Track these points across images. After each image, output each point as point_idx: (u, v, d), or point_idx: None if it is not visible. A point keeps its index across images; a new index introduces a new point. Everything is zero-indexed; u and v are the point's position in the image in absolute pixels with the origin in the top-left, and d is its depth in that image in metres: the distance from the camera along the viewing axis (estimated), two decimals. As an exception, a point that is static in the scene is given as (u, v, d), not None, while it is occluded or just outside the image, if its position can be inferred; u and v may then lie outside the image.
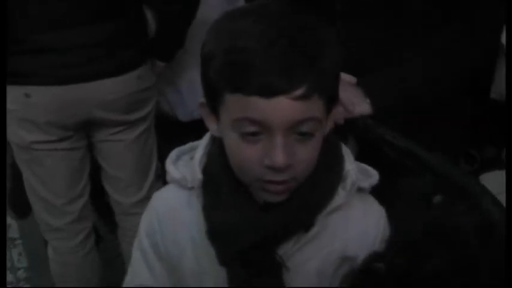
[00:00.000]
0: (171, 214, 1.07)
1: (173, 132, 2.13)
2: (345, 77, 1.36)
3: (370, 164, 1.33)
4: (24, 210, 2.17)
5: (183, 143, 1.12)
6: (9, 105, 1.91)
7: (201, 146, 1.05)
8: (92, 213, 2.14)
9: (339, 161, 1.03)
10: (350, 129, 1.36)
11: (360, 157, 1.38)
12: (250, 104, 0.89)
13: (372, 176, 1.07)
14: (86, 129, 1.99)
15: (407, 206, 1.42)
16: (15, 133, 1.95)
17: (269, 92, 0.88)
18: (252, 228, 0.97)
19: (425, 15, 1.40)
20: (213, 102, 0.95)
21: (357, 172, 1.04)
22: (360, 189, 1.05)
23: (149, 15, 2.06)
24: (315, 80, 0.90)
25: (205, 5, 1.98)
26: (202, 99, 0.99)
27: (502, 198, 1.13)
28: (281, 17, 0.93)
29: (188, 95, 2.20)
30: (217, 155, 1.00)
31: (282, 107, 0.88)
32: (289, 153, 0.91)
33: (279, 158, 0.90)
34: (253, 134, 0.91)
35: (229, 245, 0.98)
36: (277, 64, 0.88)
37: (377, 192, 1.33)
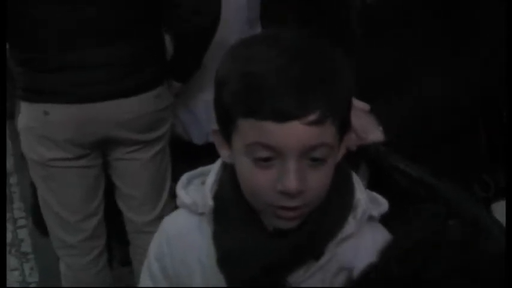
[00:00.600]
0: (181, 238, 1.07)
1: (188, 154, 2.14)
2: (358, 104, 1.37)
3: (381, 191, 1.34)
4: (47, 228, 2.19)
5: (198, 165, 1.13)
6: (29, 122, 1.95)
7: (212, 172, 1.05)
8: (105, 231, 2.15)
9: (350, 189, 1.03)
10: (362, 156, 1.37)
11: (371, 184, 1.39)
12: (263, 129, 0.89)
13: (381, 205, 1.07)
14: (102, 147, 2.01)
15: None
16: (33, 150, 1.98)
17: (282, 116, 0.88)
18: (262, 255, 0.97)
19: (443, 38, 1.41)
20: (226, 127, 0.95)
21: (368, 201, 1.04)
22: (370, 218, 1.05)
23: (167, 36, 2.08)
24: (328, 105, 0.90)
25: (225, 27, 2.00)
26: (214, 126, 0.99)
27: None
28: (295, 42, 0.94)
29: (203, 118, 2.20)
30: (229, 181, 1.01)
31: (295, 132, 0.89)
32: (302, 178, 0.91)
33: (292, 183, 0.90)
34: (266, 159, 0.91)
35: (239, 272, 0.99)
36: (291, 89, 0.88)
37: (387, 219, 1.34)
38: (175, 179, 2.18)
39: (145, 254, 1.15)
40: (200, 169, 1.10)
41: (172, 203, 2.15)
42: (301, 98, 0.88)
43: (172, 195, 2.17)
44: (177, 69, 2.08)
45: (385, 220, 1.32)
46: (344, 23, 1.45)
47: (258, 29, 2.10)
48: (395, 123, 1.36)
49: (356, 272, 0.78)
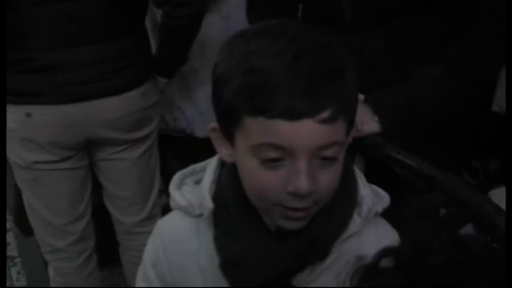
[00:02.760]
0: (178, 243, 1.03)
1: (185, 149, 2.13)
2: (353, 94, 1.36)
3: (376, 182, 1.32)
4: (29, 228, 2.14)
5: (195, 159, 1.09)
6: (11, 125, 1.90)
7: (209, 171, 1.01)
8: (93, 233, 2.11)
9: (353, 185, 1.00)
10: (357, 148, 1.35)
11: (366, 175, 1.37)
12: (273, 128, 0.85)
13: (383, 198, 1.03)
14: (88, 148, 1.97)
15: (414, 223, 1.41)
16: (16, 153, 1.93)
17: (294, 114, 0.84)
18: (267, 259, 0.94)
19: (435, 28, 1.40)
20: (229, 126, 0.91)
21: (372, 196, 1.01)
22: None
23: (150, 33, 2.07)
24: (341, 102, 0.87)
25: (225, 23, 2.02)
26: (213, 124, 0.95)
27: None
28: (299, 35, 0.90)
29: (206, 111, 2.20)
30: (228, 181, 0.97)
31: (307, 131, 0.85)
32: (313, 178, 0.87)
33: (303, 184, 0.86)
34: (275, 160, 0.87)
35: (244, 277, 0.95)
36: (302, 85, 0.84)
37: (384, 210, 1.32)
38: (164, 174, 2.16)
39: (135, 255, 1.12)
40: (191, 167, 1.06)
41: (161, 200, 2.13)
42: (313, 95, 0.84)
43: (161, 191, 2.15)
44: (162, 64, 2.05)
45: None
46: (335, 12, 1.42)
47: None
48: (390, 113, 1.35)
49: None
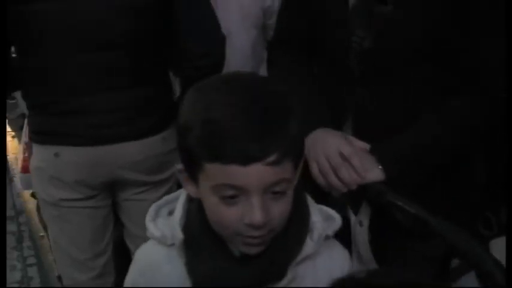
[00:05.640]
0: (152, 269, 1.14)
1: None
2: (359, 143, 1.42)
3: (383, 228, 1.38)
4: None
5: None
6: (40, 164, 2.00)
7: (179, 206, 1.12)
8: (113, 269, 2.17)
9: (306, 212, 1.11)
10: (363, 195, 1.41)
11: (373, 221, 1.44)
12: (228, 171, 0.98)
13: (335, 221, 1.14)
14: (111, 188, 2.05)
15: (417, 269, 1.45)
16: (44, 190, 2.02)
17: (245, 160, 0.97)
18: (232, 280, 1.06)
19: (438, 80, 1.45)
20: (192, 169, 1.03)
21: (322, 222, 1.11)
22: (326, 237, 1.12)
23: (174, 80, 2.15)
24: (286, 146, 1.00)
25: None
26: (179, 166, 1.07)
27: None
28: (250, 88, 1.03)
29: None
30: (196, 214, 1.09)
31: (257, 173, 0.98)
32: (266, 211, 1.00)
33: (257, 217, 1.00)
34: (232, 196, 1.00)
35: None
36: (252, 134, 0.98)
37: (390, 254, 1.38)
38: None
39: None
40: (164, 198, 1.19)
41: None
42: (261, 142, 0.98)
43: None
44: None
45: (386, 255, 1.36)
46: (344, 64, 1.49)
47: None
48: (394, 162, 1.41)
49: None
